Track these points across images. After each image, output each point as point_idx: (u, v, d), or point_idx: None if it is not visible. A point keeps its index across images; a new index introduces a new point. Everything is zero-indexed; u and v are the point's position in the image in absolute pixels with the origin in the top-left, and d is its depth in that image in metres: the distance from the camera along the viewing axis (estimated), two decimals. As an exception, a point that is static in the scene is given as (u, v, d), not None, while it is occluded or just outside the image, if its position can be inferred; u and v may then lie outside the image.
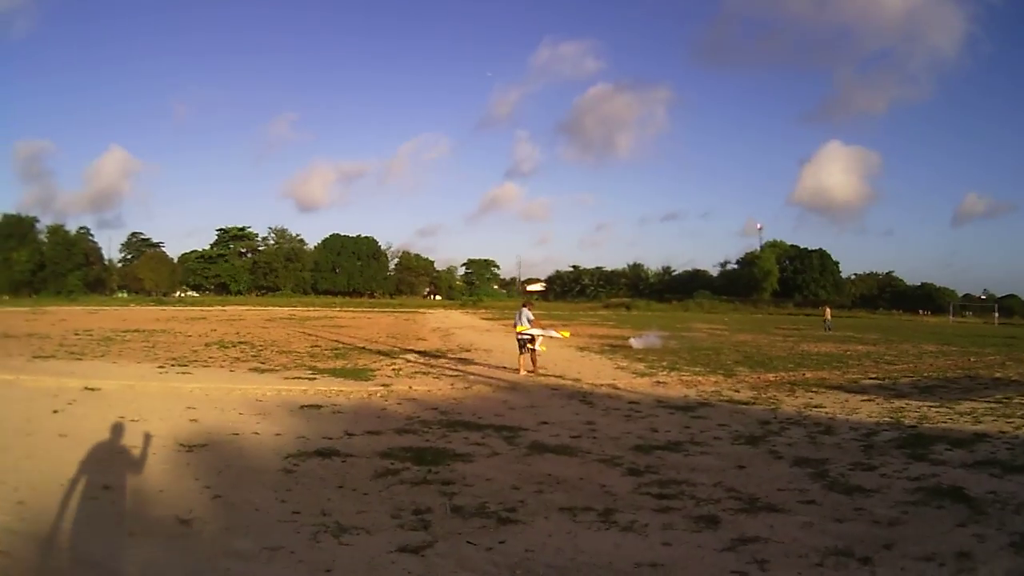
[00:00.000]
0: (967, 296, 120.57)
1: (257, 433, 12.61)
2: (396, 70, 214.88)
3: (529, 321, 22.97)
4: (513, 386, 19.76)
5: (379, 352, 29.38)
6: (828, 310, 64.01)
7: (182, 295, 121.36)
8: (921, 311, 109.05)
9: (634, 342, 34.85)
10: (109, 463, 10.19)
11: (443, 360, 26.75)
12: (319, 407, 15.58)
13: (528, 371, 22.42)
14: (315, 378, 20.10)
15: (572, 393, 18.62)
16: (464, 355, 28.88)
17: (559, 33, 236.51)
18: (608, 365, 25.71)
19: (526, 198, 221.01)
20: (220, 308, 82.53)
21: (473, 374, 22.37)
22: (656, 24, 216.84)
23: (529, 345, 22.96)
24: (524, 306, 23.93)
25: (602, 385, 20.01)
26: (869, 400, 18.05)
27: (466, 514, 8.23)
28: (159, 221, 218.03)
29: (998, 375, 25.01)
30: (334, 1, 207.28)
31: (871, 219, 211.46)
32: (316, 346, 31.72)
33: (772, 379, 22.34)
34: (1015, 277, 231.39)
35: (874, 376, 23.78)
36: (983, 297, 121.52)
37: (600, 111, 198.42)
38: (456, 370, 23.41)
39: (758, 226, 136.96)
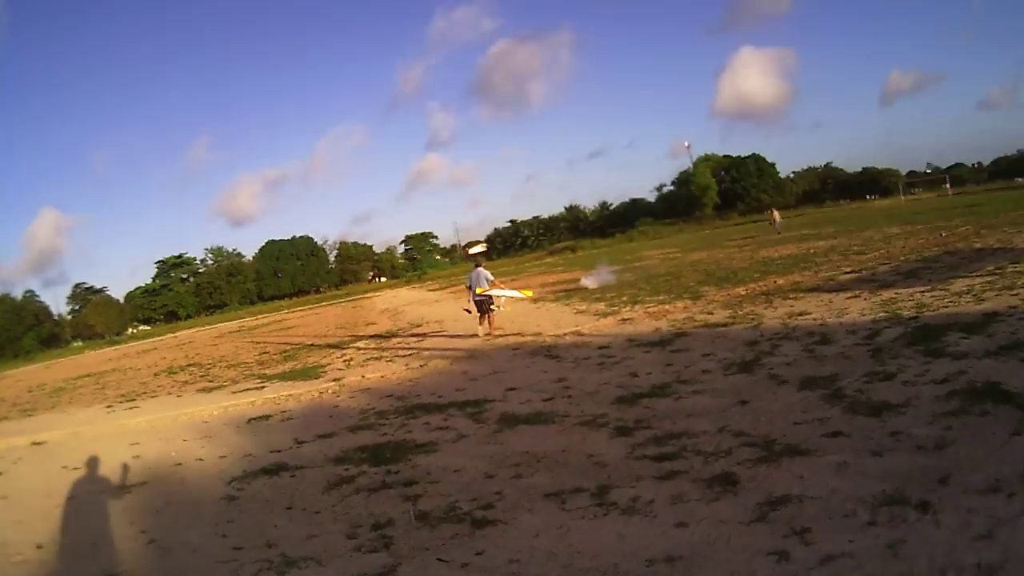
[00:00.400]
0: (911, 173, 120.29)
1: (201, 459, 11.57)
2: (300, 69, 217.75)
3: (488, 281, 21.82)
4: (472, 353, 18.33)
5: (329, 346, 27.83)
6: (775, 212, 62.69)
7: (134, 331, 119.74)
8: (869, 196, 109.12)
9: (587, 281, 33.67)
10: (45, 519, 9.35)
11: (395, 341, 25.27)
12: (267, 417, 14.32)
13: (486, 334, 21.26)
14: (264, 387, 18.63)
15: (535, 349, 17.17)
16: (416, 331, 27.40)
17: (450, 1, 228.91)
18: (567, 312, 24.35)
19: (451, 165, 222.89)
20: (171, 335, 79.75)
21: (428, 349, 20.95)
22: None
23: (490, 307, 21.83)
24: (478, 267, 22.60)
25: (565, 334, 18.64)
26: (855, 297, 16.70)
27: (434, 521, 7.04)
28: (100, 268, 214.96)
29: (978, 245, 23.79)
30: (222, 14, 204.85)
31: (798, 115, 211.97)
32: (264, 353, 30.05)
33: (743, 293, 21.04)
34: (955, 146, 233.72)
35: (849, 269, 22.49)
36: (928, 171, 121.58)
37: (506, 66, 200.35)
38: (410, 348, 21.95)
39: (686, 144, 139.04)
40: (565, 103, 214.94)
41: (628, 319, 19.59)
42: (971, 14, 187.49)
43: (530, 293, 28.41)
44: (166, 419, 16.14)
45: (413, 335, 25.89)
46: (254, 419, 14.31)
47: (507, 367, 15.40)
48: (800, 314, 15.49)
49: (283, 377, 19.85)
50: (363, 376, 17.34)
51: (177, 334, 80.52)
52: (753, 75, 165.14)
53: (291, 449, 11.03)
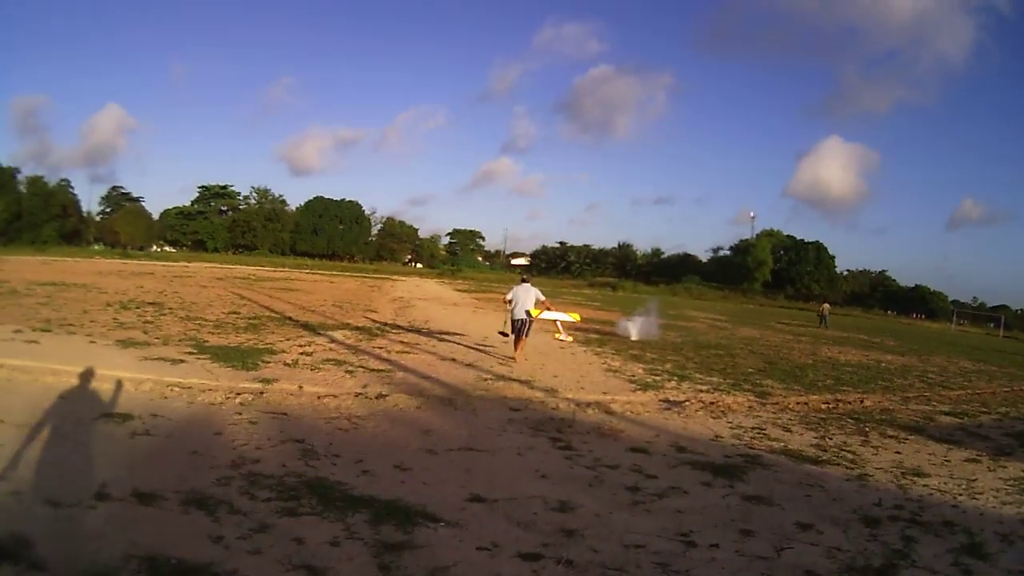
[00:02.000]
0: (955, 302, 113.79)
1: None
2: (399, 40, 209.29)
3: (539, 302, 19.00)
4: (452, 398, 13.02)
5: (305, 325, 22.94)
6: (827, 306, 58.93)
7: (157, 249, 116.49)
8: (915, 314, 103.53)
9: (626, 327, 28.59)
10: None
11: (379, 341, 20.39)
12: (128, 419, 9.48)
13: (517, 359, 18.40)
14: (184, 360, 14.26)
15: (541, 420, 11.81)
16: (409, 337, 22.37)
17: (563, 13, 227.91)
18: (595, 365, 19.27)
19: (520, 174, 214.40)
20: (183, 264, 75.09)
21: (405, 369, 15.77)
22: (662, 9, 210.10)
23: (527, 329, 18.88)
24: (524, 281, 19.53)
25: (588, 404, 13.37)
26: (974, 461, 11.86)
27: None
28: (151, 179, 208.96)
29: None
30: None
31: (864, 216, 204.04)
32: (235, 313, 25.26)
33: (822, 405, 15.83)
34: (1003, 287, 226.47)
35: (945, 410, 17.25)
36: (974, 305, 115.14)
37: (600, 92, 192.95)
38: (385, 360, 16.84)
39: (751, 215, 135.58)
40: (646, 143, 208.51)
41: (676, 404, 14.39)
42: None
43: (577, 317, 23.85)
44: (26, 376, 11.76)
45: (403, 342, 20.87)
46: (110, 415, 9.57)
47: (490, 445, 10.08)
48: (915, 474, 10.43)
49: (218, 355, 15.18)
50: (300, 387, 12.53)
51: (190, 264, 75.99)
52: (835, 165, 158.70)
53: (53, 517, 6.21)
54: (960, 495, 9.51)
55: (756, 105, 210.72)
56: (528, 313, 18.56)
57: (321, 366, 15.08)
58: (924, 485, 9.86)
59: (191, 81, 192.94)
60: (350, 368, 15.10)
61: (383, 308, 33.71)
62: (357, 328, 23.28)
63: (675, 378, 17.84)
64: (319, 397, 11.97)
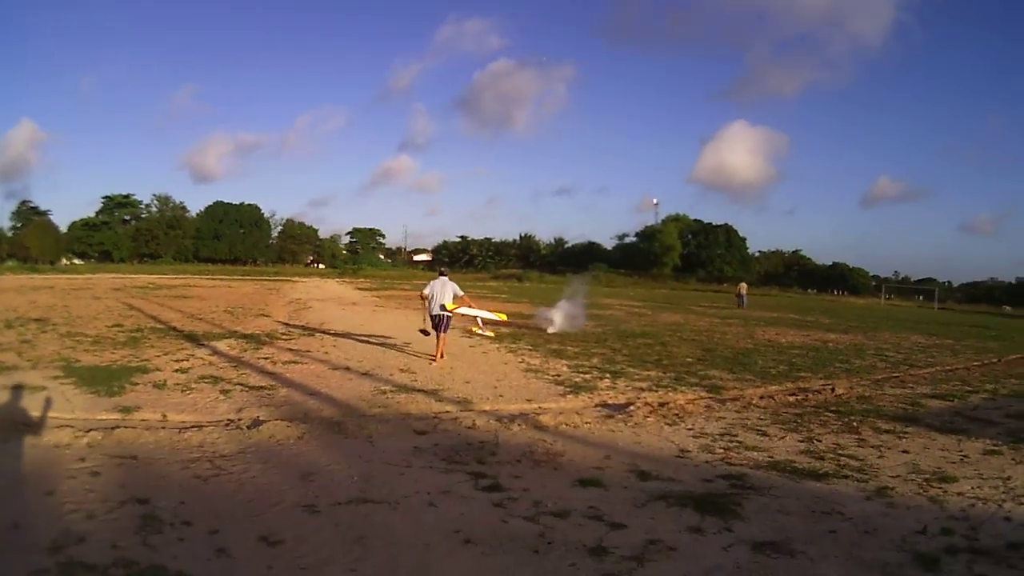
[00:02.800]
0: (880, 277, 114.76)
1: None
2: (299, 41, 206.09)
3: (456, 297, 17.97)
4: (341, 422, 10.27)
5: (189, 336, 20.29)
6: (744, 285, 59.03)
7: (68, 263, 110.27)
8: (836, 291, 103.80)
9: (547, 316, 26.74)
10: None
11: (266, 351, 17.76)
12: None
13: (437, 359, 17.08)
14: (46, 387, 11.92)
15: (456, 446, 9.19)
16: (301, 343, 19.70)
17: (465, 10, 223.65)
18: (512, 364, 17.08)
19: (419, 170, 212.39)
20: (86, 276, 69.68)
21: (291, 384, 13.18)
22: (562, 0, 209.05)
23: (446, 326, 17.69)
24: (443, 274, 18.47)
25: (513, 418, 10.85)
26: (994, 452, 10.12)
27: None
28: (62, 192, 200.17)
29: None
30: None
31: (774, 198, 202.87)
32: (119, 326, 22.28)
33: (790, 398, 13.74)
34: (924, 261, 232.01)
35: (923, 391, 15.60)
36: (897, 280, 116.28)
37: (500, 87, 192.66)
38: (269, 375, 14.17)
39: (654, 201, 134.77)
40: (546, 135, 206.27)
41: (618, 408, 12.14)
42: (976, 138, 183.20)
43: (504, 316, 22.75)
44: None
45: (293, 350, 18.09)
46: None
47: (390, 491, 7.34)
48: (941, 479, 8.47)
49: (84, 378, 12.94)
50: (164, 416, 10.38)
51: (93, 276, 71.10)
52: (739, 149, 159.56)
53: None
54: (1005, 502, 7.68)
55: (659, 92, 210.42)
56: (443, 308, 17.43)
57: (195, 385, 12.68)
58: (958, 494, 7.94)
59: (99, 92, 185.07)
60: (227, 387, 12.64)
61: (278, 311, 30.89)
62: (245, 336, 20.54)
63: (607, 375, 15.70)
64: (182, 430, 9.41)
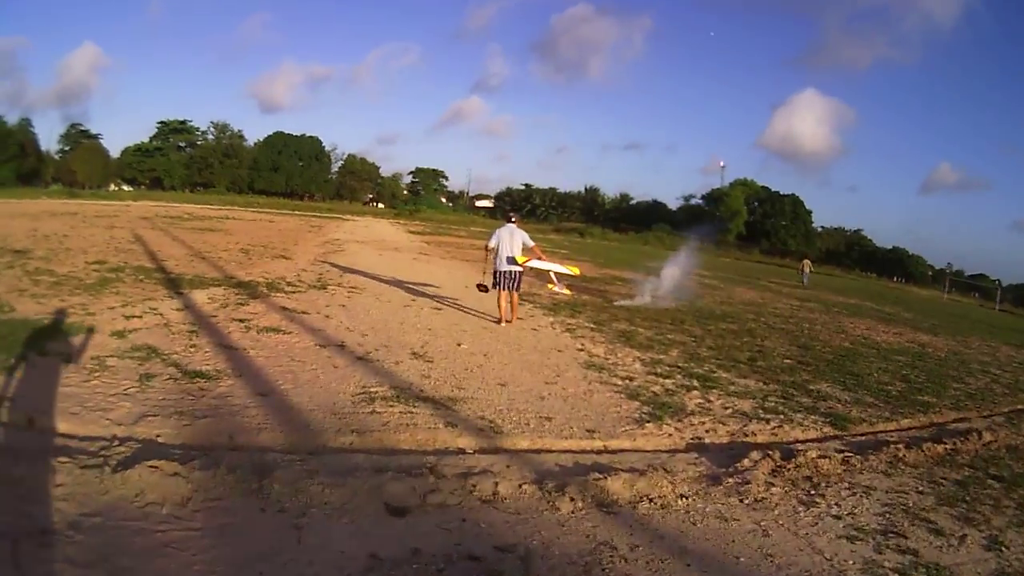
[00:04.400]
0: (946, 269, 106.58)
1: None
2: None
3: (526, 249, 15.01)
4: (271, 466, 5.88)
5: (172, 280, 16.01)
6: (808, 263, 53.85)
7: (116, 188, 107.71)
8: (896, 278, 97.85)
9: (648, 290, 23.40)
10: None
11: (251, 308, 13.53)
12: None
13: (506, 321, 14.80)
14: None
15: (448, 558, 4.86)
16: (297, 300, 15.46)
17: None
18: (567, 352, 12.70)
19: (490, 114, 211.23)
20: (126, 203, 62.90)
21: (245, 371, 8.99)
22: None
23: (518, 283, 14.96)
24: (511, 221, 15.33)
25: (565, 483, 6.32)
26: None
27: None
28: (122, 119, 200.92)
29: None
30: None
31: (837, 173, 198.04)
32: (101, 262, 17.81)
33: (939, 448, 9.17)
34: (976, 255, 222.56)
35: None
36: (951, 273, 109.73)
37: (577, 32, 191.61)
38: (229, 349, 10.05)
39: (721, 163, 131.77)
40: (620, 87, 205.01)
41: (724, 461, 7.68)
42: None
43: (576, 270, 18.78)
44: None
45: (284, 309, 13.89)
46: None
47: None
48: None
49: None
50: (30, 421, 6.52)
51: (132, 204, 64.17)
52: (809, 119, 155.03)
53: None
54: None
55: (733, 53, 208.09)
56: (515, 262, 14.55)
57: (114, 363, 8.62)
58: None
59: (168, 18, 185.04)
60: (153, 369, 8.52)
61: (303, 254, 26.60)
62: (240, 285, 16.26)
63: (695, 382, 11.32)
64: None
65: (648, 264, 28.77)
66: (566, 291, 18.07)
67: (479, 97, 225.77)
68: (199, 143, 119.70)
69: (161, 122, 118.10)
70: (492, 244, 14.90)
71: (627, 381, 10.71)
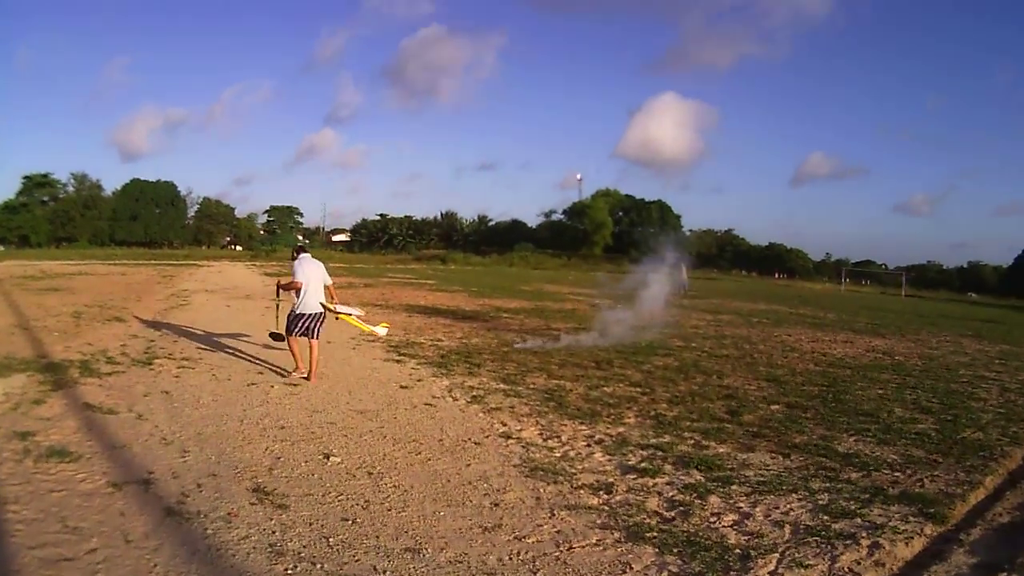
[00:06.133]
0: (834, 261, 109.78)
1: None
2: (229, 8, 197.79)
3: (326, 287, 12.60)
4: None
5: None
6: (684, 268, 49.74)
7: None
8: (777, 274, 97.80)
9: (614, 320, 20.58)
10: None
11: (43, 411, 9.18)
12: None
13: (302, 374, 12.16)
14: None
15: None
16: (121, 383, 11.26)
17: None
18: (489, 438, 8.92)
19: (343, 144, 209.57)
20: None
21: None
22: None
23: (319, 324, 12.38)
24: (302, 251, 12.94)
25: None
26: None
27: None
28: None
29: None
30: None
31: (700, 175, 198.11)
32: None
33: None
34: (854, 243, 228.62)
35: None
36: (830, 261, 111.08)
37: (428, 54, 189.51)
38: None
39: (578, 176, 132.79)
40: (470, 108, 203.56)
41: None
42: (913, 117, 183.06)
43: (386, 326, 15.38)
44: None
45: (91, 407, 9.57)
46: None
47: None
48: None
49: None
50: None
51: None
52: (668, 122, 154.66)
53: None
54: None
55: (587, 63, 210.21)
56: (320, 314, 12.37)
57: None
58: None
59: (33, 71, 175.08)
60: None
61: (143, 311, 22.02)
62: (51, 367, 12.03)
63: (692, 471, 7.83)
64: None
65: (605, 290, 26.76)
66: (383, 326, 14.89)
67: (332, 128, 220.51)
68: (60, 196, 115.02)
69: (26, 177, 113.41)
70: (300, 279, 12.25)
71: (603, 496, 6.94)
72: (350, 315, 13.61)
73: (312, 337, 12.18)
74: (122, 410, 9.45)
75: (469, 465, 7.77)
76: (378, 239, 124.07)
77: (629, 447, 8.69)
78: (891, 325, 28.30)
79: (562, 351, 16.47)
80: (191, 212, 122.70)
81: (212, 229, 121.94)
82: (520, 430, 9.28)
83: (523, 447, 8.52)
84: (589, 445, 8.73)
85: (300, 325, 12.17)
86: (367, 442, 8.51)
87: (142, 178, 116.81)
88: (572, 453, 8.38)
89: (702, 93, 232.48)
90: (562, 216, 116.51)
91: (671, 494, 7.05)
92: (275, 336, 13.23)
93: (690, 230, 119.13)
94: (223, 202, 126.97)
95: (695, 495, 7.03)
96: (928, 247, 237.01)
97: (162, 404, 9.93)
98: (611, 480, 7.42)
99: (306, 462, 7.50)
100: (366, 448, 8.26)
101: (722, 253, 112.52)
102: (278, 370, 12.64)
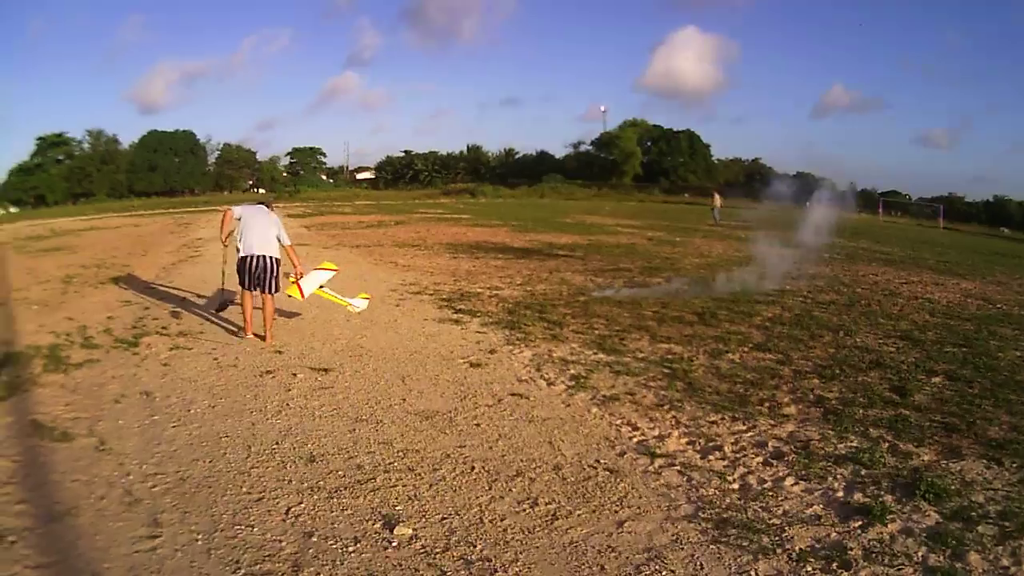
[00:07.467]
0: (883, 192, 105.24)
1: None
2: None
3: (279, 241, 10.17)
4: None
5: None
6: (718, 197, 50.34)
7: (3, 212, 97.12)
8: (807, 203, 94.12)
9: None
10: None
11: None
12: None
13: (255, 334, 10.14)
14: None
15: None
16: (79, 389, 7.95)
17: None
18: (626, 457, 5.88)
19: (365, 87, 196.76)
20: None
21: None
22: None
23: (274, 280, 10.06)
24: (264, 204, 10.76)
25: None
26: None
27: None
28: (10, 140, 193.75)
29: None
30: None
31: (723, 106, 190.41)
32: None
33: None
34: (877, 174, 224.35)
35: None
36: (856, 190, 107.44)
37: None
38: None
39: (602, 108, 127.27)
40: (492, 45, 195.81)
41: None
42: (934, 50, 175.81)
43: (367, 297, 11.72)
44: None
45: (42, 429, 6.56)
46: None
47: None
48: None
49: None
50: None
51: (1, 227, 54.60)
52: (690, 56, 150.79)
53: None
54: None
55: None
56: (269, 259, 9.99)
57: None
58: None
59: (46, 31, 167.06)
60: None
61: (146, 269, 18.65)
62: (7, 359, 8.74)
63: (924, 505, 5.08)
64: None
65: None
66: (363, 297, 11.53)
67: (352, 71, 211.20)
68: (76, 154, 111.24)
69: (39, 138, 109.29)
70: (235, 212, 10.23)
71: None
72: (320, 287, 11.15)
73: (265, 290, 10.02)
74: (80, 432, 6.46)
75: (621, 526, 4.80)
76: (403, 175, 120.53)
77: (818, 461, 5.89)
78: (960, 264, 25.01)
79: (649, 299, 13.57)
80: (211, 159, 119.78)
81: (234, 174, 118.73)
82: (660, 437, 6.39)
83: (680, 472, 5.64)
84: (766, 461, 5.92)
85: (247, 273, 9.95)
86: (448, 484, 5.41)
87: (159, 129, 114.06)
88: (752, 479, 5.56)
89: (722, 27, 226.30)
90: (590, 147, 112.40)
91: (919, 554, 4.42)
92: (226, 298, 11.17)
93: (718, 159, 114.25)
94: (244, 147, 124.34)
95: (948, 552, 4.47)
96: (947, 180, 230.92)
97: (138, 416, 6.91)
98: (835, 536, 4.65)
99: (356, 543, 4.43)
100: (448, 498, 5.15)
101: (750, 181, 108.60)
102: (305, 344, 9.79)
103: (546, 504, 5.04)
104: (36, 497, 5.10)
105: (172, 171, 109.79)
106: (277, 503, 5.03)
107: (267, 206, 10.64)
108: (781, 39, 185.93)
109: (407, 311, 12.28)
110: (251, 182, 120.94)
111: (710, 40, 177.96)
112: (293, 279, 10.38)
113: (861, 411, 7.23)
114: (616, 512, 4.93)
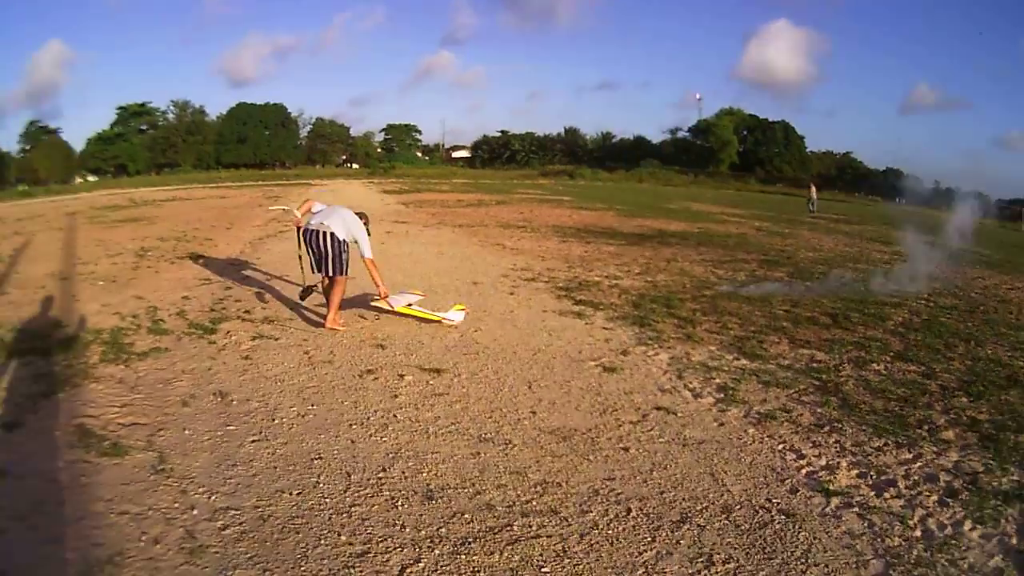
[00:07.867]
0: (977, 193, 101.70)
1: None
2: None
3: (351, 238, 9.37)
4: None
5: None
6: (814, 188, 49.29)
7: (82, 181, 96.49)
8: (898, 199, 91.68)
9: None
10: None
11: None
12: None
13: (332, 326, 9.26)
14: None
15: None
16: (139, 387, 7.52)
17: None
18: (797, 499, 5.09)
19: (460, 67, 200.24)
20: (75, 196, 49.50)
21: None
22: None
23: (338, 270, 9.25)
24: (360, 215, 9.77)
25: None
26: None
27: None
28: (93, 110, 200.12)
29: None
30: None
31: (814, 99, 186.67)
32: None
33: None
34: (958, 174, 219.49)
35: None
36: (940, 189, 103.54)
37: None
38: None
39: (697, 96, 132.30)
40: (589, 28, 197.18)
41: None
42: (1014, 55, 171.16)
43: (463, 309, 10.26)
44: None
45: (92, 439, 6.08)
46: None
47: None
48: None
49: None
50: None
51: (78, 196, 50.19)
52: (783, 49, 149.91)
53: None
54: None
55: None
56: (327, 236, 9.12)
57: None
58: None
59: (128, 4, 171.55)
60: None
61: (230, 244, 18.36)
62: (63, 344, 8.32)
63: None
64: None
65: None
66: (459, 309, 10.08)
67: (448, 51, 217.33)
68: (160, 124, 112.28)
69: (120, 107, 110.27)
70: (314, 211, 9.68)
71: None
72: (408, 305, 9.95)
73: (328, 273, 9.27)
74: (136, 444, 5.62)
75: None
76: (500, 155, 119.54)
77: (988, 499, 5.12)
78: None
79: (777, 296, 12.78)
80: (303, 133, 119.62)
81: (326, 148, 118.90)
82: (829, 468, 5.59)
83: (860, 516, 4.84)
84: (941, 500, 5.13)
85: (309, 253, 9.33)
86: (602, 533, 4.50)
87: (248, 102, 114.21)
88: (932, 523, 4.79)
89: (814, 19, 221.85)
90: (687, 134, 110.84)
91: None
92: (306, 290, 10.20)
93: (811, 151, 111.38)
94: (337, 122, 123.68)
95: None
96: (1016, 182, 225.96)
97: (209, 425, 6.07)
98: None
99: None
100: (605, 554, 4.26)
101: (841, 175, 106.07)
102: (411, 337, 9.14)
103: (723, 563, 4.20)
104: (70, 535, 4.29)
105: (262, 144, 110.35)
106: (387, 560, 4.15)
107: (360, 216, 9.69)
108: (870, 34, 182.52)
109: (523, 300, 11.60)
110: (344, 157, 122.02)
111: (800, 33, 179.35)
112: (378, 299, 9.63)
113: (1013, 436, 6.38)
114: (804, 572, 4.18)
